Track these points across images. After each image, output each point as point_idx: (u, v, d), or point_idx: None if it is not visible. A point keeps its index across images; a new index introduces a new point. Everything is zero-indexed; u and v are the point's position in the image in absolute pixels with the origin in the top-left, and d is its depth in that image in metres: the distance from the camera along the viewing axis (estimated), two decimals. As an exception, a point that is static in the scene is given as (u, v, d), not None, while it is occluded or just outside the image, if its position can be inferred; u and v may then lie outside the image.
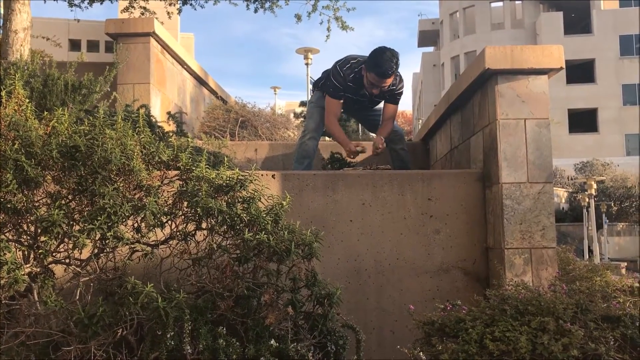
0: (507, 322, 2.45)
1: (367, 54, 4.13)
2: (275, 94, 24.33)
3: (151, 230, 2.31)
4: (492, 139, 3.25)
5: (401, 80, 4.28)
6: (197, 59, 6.40)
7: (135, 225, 2.31)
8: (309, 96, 13.83)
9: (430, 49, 46.89)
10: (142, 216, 2.21)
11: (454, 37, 38.58)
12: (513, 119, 3.18)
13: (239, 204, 2.32)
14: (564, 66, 3.18)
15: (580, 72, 31.55)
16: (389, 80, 4.07)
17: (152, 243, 2.35)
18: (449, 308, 2.70)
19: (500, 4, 35.87)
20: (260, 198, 2.36)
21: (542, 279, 3.06)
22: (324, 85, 4.37)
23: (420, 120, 36.20)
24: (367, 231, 3.34)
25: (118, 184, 2.29)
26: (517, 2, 36.03)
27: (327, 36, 7.16)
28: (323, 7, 7.22)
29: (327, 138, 9.39)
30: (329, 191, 3.37)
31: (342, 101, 4.28)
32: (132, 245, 2.30)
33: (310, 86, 14.72)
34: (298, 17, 7.18)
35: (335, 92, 4.24)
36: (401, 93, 4.33)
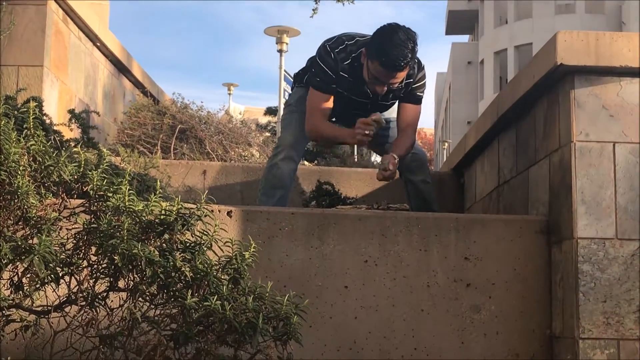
0: None
1: (371, 34, 4.17)
2: (229, 93, 24.48)
3: (39, 289, 2.26)
4: (564, 170, 3.28)
5: (421, 68, 4.32)
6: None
7: (15, 279, 2.26)
8: (283, 99, 13.93)
9: (464, 38, 47.79)
10: (27, 265, 2.17)
11: (500, 22, 39.39)
12: (596, 142, 3.21)
13: (178, 253, 2.29)
14: (673, 65, 3.24)
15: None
16: (401, 75, 4.09)
17: (39, 309, 2.30)
18: None
19: (569, -23, 36.82)
20: (211, 245, 2.34)
21: (636, 386, 3.05)
22: (310, 77, 4.37)
23: (447, 144, 36.62)
24: (370, 304, 3.32)
25: (-9, 213, 2.26)
26: (594, -25, 36.99)
27: (313, 10, 7.22)
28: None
29: (306, 163, 9.41)
30: (314, 240, 3.35)
31: (332, 97, 4.27)
32: (8, 312, 2.26)
33: (285, 84, 14.90)
34: None
35: (323, 83, 4.24)
36: (423, 87, 4.38)
